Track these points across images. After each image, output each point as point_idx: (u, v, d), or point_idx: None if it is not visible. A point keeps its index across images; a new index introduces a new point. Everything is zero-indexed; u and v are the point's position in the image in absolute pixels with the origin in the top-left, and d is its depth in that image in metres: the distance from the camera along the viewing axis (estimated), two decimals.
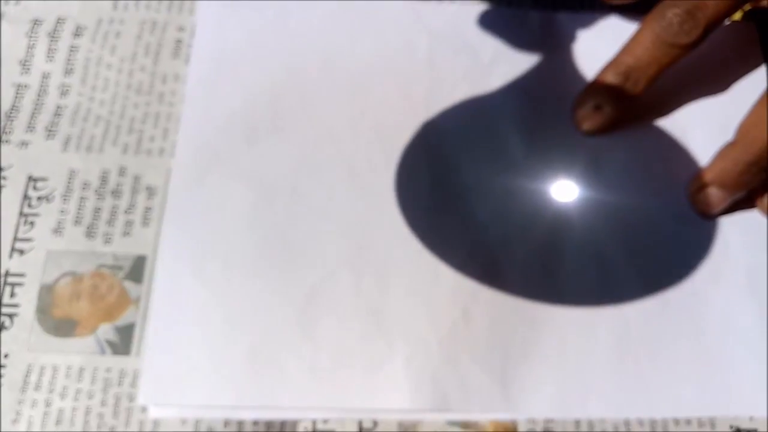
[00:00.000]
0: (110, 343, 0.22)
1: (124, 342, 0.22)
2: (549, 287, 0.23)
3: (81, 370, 0.22)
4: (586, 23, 0.28)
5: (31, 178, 0.24)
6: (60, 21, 0.27)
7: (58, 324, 0.22)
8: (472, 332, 0.22)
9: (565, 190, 0.25)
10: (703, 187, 0.24)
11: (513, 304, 0.23)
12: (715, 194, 0.24)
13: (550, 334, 0.23)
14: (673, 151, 0.26)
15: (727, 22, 0.23)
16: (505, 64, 0.27)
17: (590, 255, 0.24)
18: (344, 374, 0.22)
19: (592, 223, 0.24)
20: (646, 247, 0.24)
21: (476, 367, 0.22)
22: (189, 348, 0.22)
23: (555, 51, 0.27)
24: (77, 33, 0.27)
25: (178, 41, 0.27)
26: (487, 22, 0.28)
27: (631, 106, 0.25)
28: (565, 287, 0.23)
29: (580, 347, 0.23)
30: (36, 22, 0.27)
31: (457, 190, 0.25)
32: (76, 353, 0.22)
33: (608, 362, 0.22)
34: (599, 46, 0.26)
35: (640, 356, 0.23)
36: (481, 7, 0.28)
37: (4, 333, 0.22)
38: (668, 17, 0.23)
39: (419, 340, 0.22)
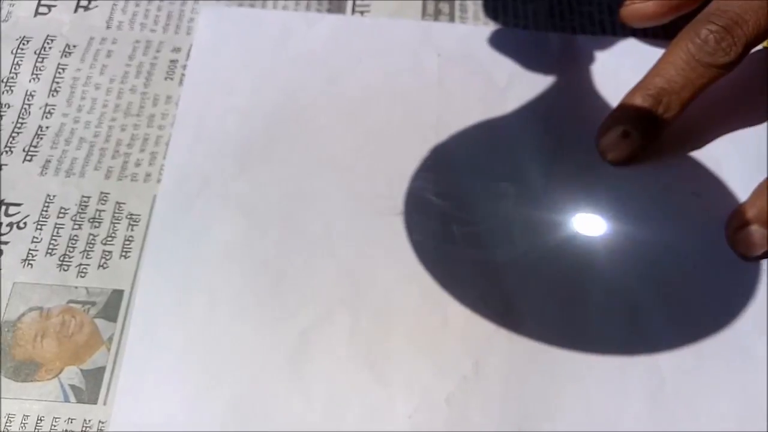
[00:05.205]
0: (75, 390, 0.20)
1: (91, 388, 0.20)
2: (572, 334, 0.22)
3: (39, 420, 0.20)
4: (608, 46, 0.27)
5: (3, 203, 0.23)
6: (49, 39, 0.27)
7: (18, 366, 0.21)
8: (485, 386, 0.21)
9: (589, 226, 0.24)
10: (743, 225, 0.23)
11: (531, 354, 0.21)
12: (757, 233, 0.23)
13: (573, 388, 0.21)
14: (709, 184, 0.25)
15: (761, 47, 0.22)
16: (521, 88, 0.26)
17: (617, 299, 0.22)
18: (337, 430, 0.20)
19: (620, 263, 0.23)
20: (680, 291, 0.23)
21: (490, 426, 0.20)
22: (164, 397, 0.20)
23: (575, 75, 0.27)
24: (66, 52, 0.26)
25: (173, 62, 0.26)
26: (502, 43, 0.27)
27: (661, 133, 0.24)
28: (589, 335, 0.22)
29: (607, 403, 0.21)
30: (24, 40, 0.26)
31: (469, 224, 0.23)
32: (34, 400, 0.20)
33: (640, 421, 0.21)
34: (622, 70, 0.26)
35: (678, 415, 0.21)
36: (495, 29, 0.27)
37: None
38: (704, 35, 0.22)
39: (424, 395, 0.21)
